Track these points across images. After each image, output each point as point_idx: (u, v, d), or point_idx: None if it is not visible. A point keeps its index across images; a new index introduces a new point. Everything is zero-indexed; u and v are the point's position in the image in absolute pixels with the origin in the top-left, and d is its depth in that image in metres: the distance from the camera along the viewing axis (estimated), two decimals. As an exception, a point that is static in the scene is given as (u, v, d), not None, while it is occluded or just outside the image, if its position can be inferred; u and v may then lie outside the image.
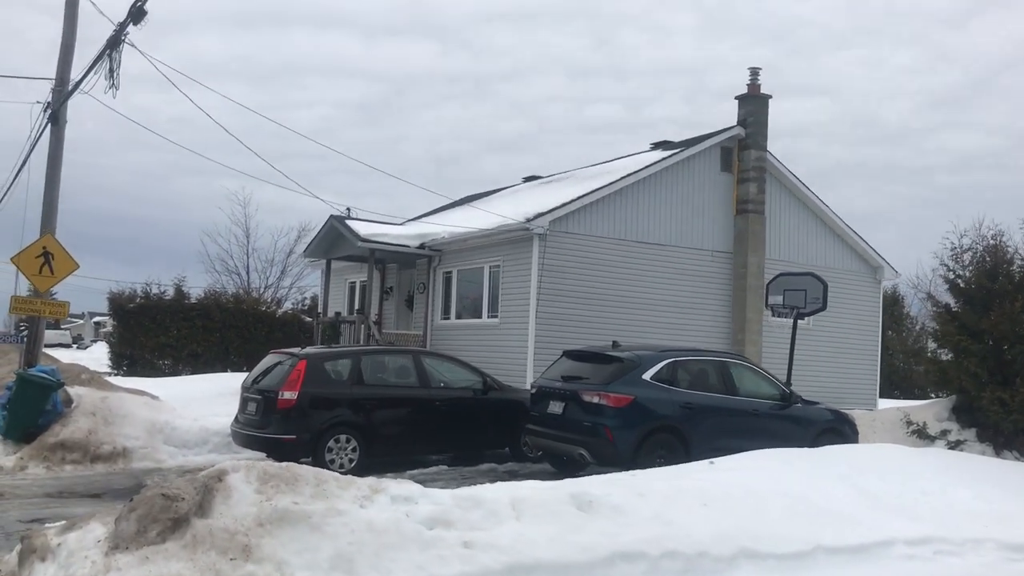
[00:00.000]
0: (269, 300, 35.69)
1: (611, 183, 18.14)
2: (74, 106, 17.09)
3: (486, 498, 6.51)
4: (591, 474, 9.73)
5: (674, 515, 6.97)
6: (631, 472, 8.99)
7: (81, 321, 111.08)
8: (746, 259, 19.20)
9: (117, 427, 12.75)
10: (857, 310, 21.13)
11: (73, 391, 13.24)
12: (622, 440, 11.07)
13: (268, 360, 12.94)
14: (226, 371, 30.74)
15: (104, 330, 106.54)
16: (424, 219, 25.21)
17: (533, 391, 12.48)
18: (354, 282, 24.77)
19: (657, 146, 22.03)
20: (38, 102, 17.00)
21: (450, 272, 20.01)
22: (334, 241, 21.20)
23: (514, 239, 17.59)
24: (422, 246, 20.03)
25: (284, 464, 6.34)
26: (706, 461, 9.87)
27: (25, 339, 16.81)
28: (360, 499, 6.19)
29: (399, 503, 6.27)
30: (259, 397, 12.08)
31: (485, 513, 6.37)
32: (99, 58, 13.23)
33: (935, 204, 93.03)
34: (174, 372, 30.19)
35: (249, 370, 30.62)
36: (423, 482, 11.86)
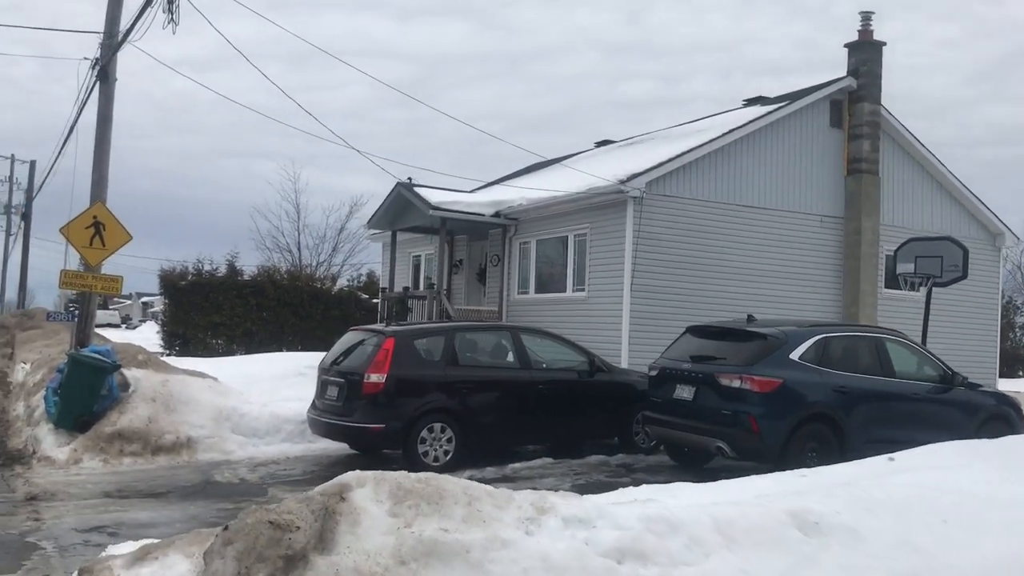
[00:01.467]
0: (323, 277, 34.31)
1: (711, 140, 16.32)
2: (120, 78, 15.60)
3: (683, 520, 4.89)
4: (721, 469, 8.05)
5: (919, 538, 5.29)
6: (814, 470, 7.35)
7: (129, 301, 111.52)
8: (859, 224, 17.29)
9: (180, 414, 11.34)
10: (975, 281, 19.08)
11: (130, 374, 11.86)
12: (769, 431, 9.38)
13: (349, 338, 11.43)
14: (281, 350, 29.51)
15: (152, 310, 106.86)
16: (491, 187, 23.55)
17: (653, 373, 10.81)
18: (419, 255, 23.21)
19: (751, 103, 20.11)
20: (85, 58, 15.62)
21: (528, 242, 18.36)
22: (401, 210, 19.65)
23: (604, 204, 15.88)
24: (497, 214, 18.39)
25: (422, 476, 4.76)
26: (883, 457, 8.18)
27: (76, 318, 15.53)
28: (524, 522, 4.59)
29: (574, 527, 4.66)
30: (341, 380, 10.57)
31: (686, 541, 4.75)
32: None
33: (977, 180, 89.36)
34: (228, 352, 28.97)
35: (305, 349, 29.53)
36: (530, 478, 10.31)
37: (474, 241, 20.56)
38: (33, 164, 38.15)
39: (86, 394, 10.96)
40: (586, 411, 11.47)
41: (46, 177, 32.61)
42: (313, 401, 11.34)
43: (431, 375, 10.51)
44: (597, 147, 24.87)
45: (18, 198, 49.87)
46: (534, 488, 9.81)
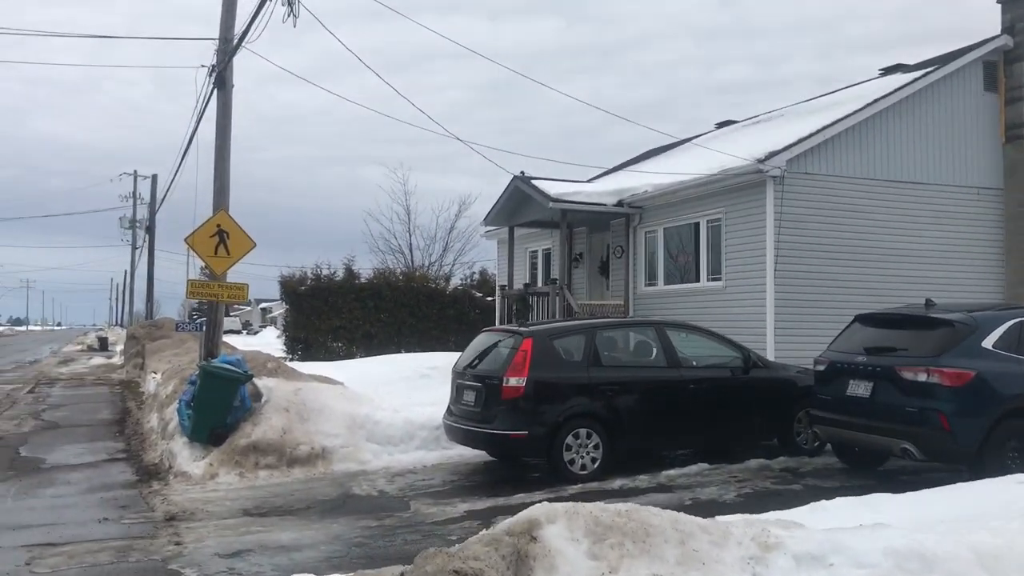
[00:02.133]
0: (437, 276, 34.09)
1: (854, 112, 15.07)
2: (237, 86, 15.40)
3: (937, 555, 4.00)
4: (899, 471, 7.04)
5: None
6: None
7: (248, 307, 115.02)
8: (1022, 195, 15.73)
9: (314, 423, 10.95)
10: None
11: (261, 383, 11.56)
12: (963, 429, 8.29)
13: (482, 340, 10.81)
14: (400, 351, 29.38)
15: (271, 315, 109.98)
16: (607, 176, 22.70)
17: (820, 368, 9.81)
18: (535, 250, 22.57)
19: (888, 71, 18.68)
20: (202, 66, 15.55)
21: (654, 231, 17.44)
22: (518, 205, 19.02)
23: (740, 185, 14.84)
24: (620, 203, 17.55)
25: (620, 508, 4.02)
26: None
27: (204, 327, 15.47)
28: (749, 563, 3.81)
29: (808, 566, 3.85)
30: (478, 384, 9.96)
31: (947, 581, 3.87)
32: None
33: None
34: (348, 355, 29.02)
35: (422, 349, 29.31)
36: (689, 487, 9.43)
37: (594, 233, 19.77)
38: (155, 178, 39.31)
39: (219, 406, 10.68)
40: (742, 411, 10.55)
41: (168, 190, 33.42)
42: (448, 406, 10.79)
43: (573, 377, 9.78)
44: (718, 128, 23.69)
45: (140, 212, 51.67)
46: (695, 498, 9.03)
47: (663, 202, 16.84)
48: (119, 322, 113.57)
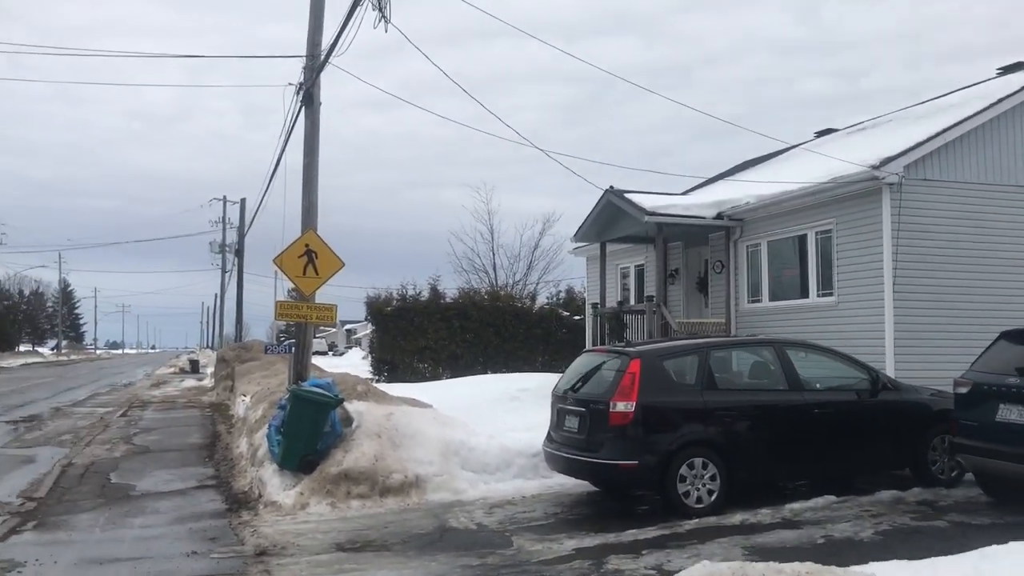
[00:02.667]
0: (524, 296, 33.55)
1: (977, 113, 13.99)
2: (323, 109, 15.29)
3: None
4: None
5: None
6: None
7: (333, 329, 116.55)
8: None
9: (406, 450, 10.41)
10: None
11: (352, 407, 11.10)
12: None
13: (584, 361, 10.15)
14: (486, 372, 28.87)
15: (355, 337, 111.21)
16: (702, 189, 21.84)
17: (963, 390, 8.84)
18: (627, 267, 21.81)
19: (1008, 70, 17.43)
20: (290, 84, 15.32)
21: (757, 244, 16.52)
22: (610, 220, 18.33)
23: (852, 194, 13.88)
24: (719, 216, 16.70)
25: (800, 570, 3.29)
26: None
27: (292, 349, 15.18)
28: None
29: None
30: (582, 410, 9.28)
31: None
32: None
33: None
34: (434, 376, 28.65)
35: (509, 370, 28.75)
36: (819, 522, 8.44)
37: (691, 247, 18.94)
38: (243, 202, 39.88)
39: (310, 432, 10.24)
40: (870, 438, 9.62)
41: (255, 213, 33.76)
42: (548, 433, 10.13)
43: (687, 401, 9.01)
44: (818, 136, 22.60)
45: (230, 237, 52.62)
46: (828, 535, 8.14)
47: (766, 214, 15.93)
48: (210, 344, 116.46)
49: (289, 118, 15.74)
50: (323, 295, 14.76)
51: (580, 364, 10.13)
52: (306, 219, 14.71)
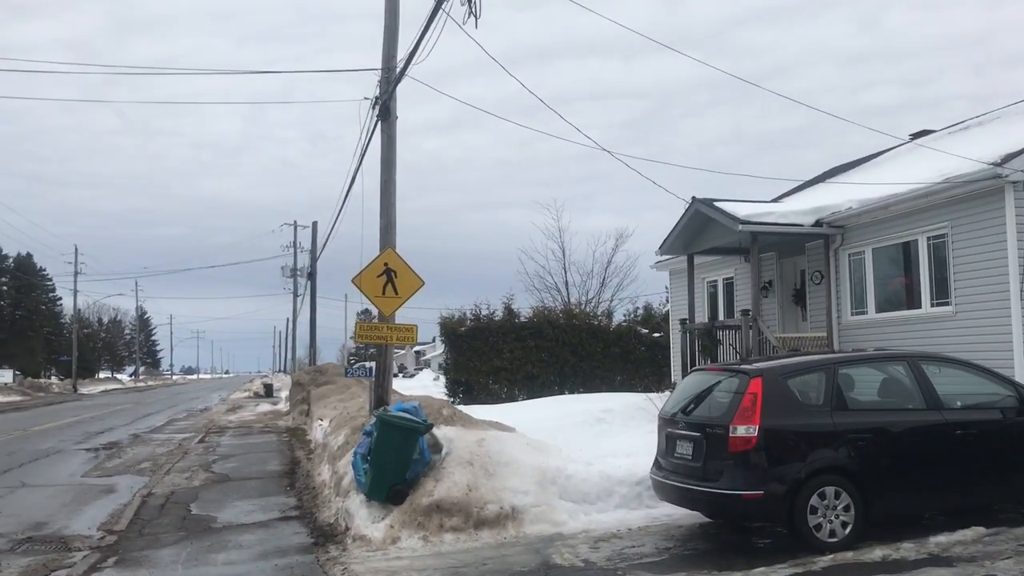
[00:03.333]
0: (600, 313, 32.68)
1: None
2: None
3: None
4: None
5: None
6: None
7: (402, 351, 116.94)
8: None
9: (501, 479, 9.69)
10: None
11: (441, 433, 10.43)
12: None
13: (695, 381, 9.31)
14: (563, 392, 28.04)
15: (424, 358, 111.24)
16: (793, 196, 20.79)
17: None
18: (713, 280, 20.84)
19: None
20: (365, 98, 14.91)
21: (860, 252, 15.45)
22: (698, 230, 17.44)
23: (969, 195, 12.78)
24: (818, 223, 15.70)
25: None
26: None
27: (372, 372, 14.64)
28: None
29: None
30: (696, 434, 8.45)
31: None
32: None
33: None
34: (510, 397, 27.92)
35: (587, 390, 27.89)
36: (973, 559, 7.26)
37: (785, 258, 17.92)
38: (315, 225, 39.86)
39: (399, 460, 9.59)
40: (1019, 461, 8.59)
41: (328, 236, 33.61)
42: (656, 459, 9.31)
43: (815, 424, 8.11)
44: (913, 139, 21.37)
45: (301, 261, 52.90)
46: (989, 575, 7.19)
47: (871, 219, 14.88)
48: (282, 368, 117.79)
49: (365, 132, 15.32)
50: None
51: (690, 384, 9.30)
52: (384, 237, 14.22)
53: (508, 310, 30.06)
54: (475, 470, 9.72)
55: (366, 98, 14.81)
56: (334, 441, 13.25)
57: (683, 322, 18.35)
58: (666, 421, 9.15)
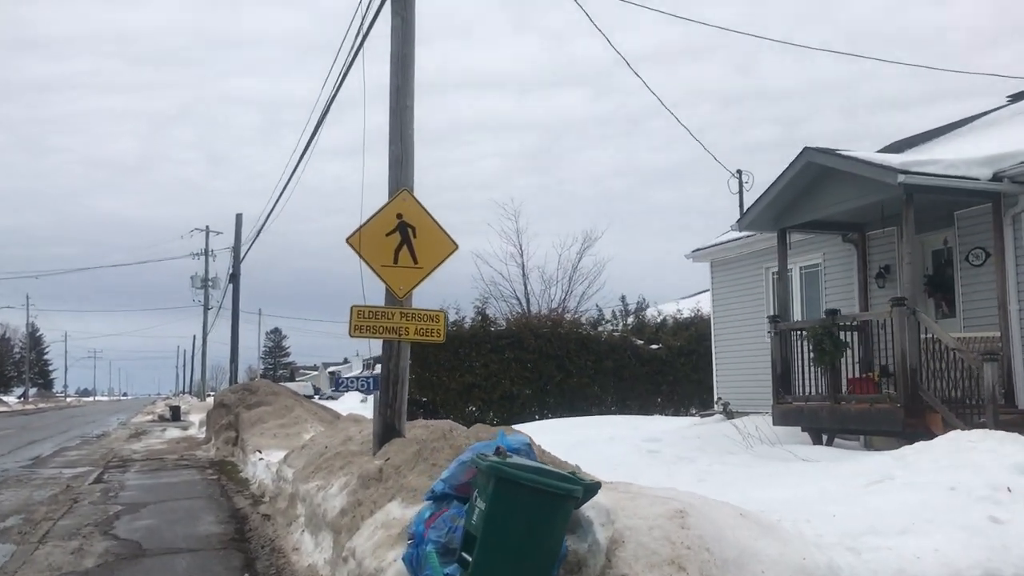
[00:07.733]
0: (591, 320, 27.88)
1: None
2: None
3: None
4: None
5: None
6: None
7: (315, 372, 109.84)
8: None
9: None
10: None
11: (589, 503, 5.34)
12: None
13: None
14: (544, 417, 23.17)
15: (342, 379, 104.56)
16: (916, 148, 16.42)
17: None
18: (786, 270, 16.03)
19: None
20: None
21: (1056, 219, 11.07)
22: (802, 195, 12.88)
23: None
24: (996, 177, 11.25)
25: None
26: None
27: (375, 386, 9.50)
28: None
29: None
30: None
31: None
32: None
33: None
34: (482, 418, 22.92)
35: (574, 413, 22.88)
36: None
37: (919, 233, 13.40)
38: (239, 217, 33.87)
39: (538, 557, 4.50)
40: None
41: (262, 226, 27.93)
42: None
43: None
44: (1011, 102, 17.37)
45: (213, 270, 46.71)
46: None
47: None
48: (187, 390, 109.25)
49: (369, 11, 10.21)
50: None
51: None
52: (395, 174, 9.28)
53: (482, 316, 25.05)
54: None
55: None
56: (327, 501, 7.89)
57: (774, 321, 13.52)
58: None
